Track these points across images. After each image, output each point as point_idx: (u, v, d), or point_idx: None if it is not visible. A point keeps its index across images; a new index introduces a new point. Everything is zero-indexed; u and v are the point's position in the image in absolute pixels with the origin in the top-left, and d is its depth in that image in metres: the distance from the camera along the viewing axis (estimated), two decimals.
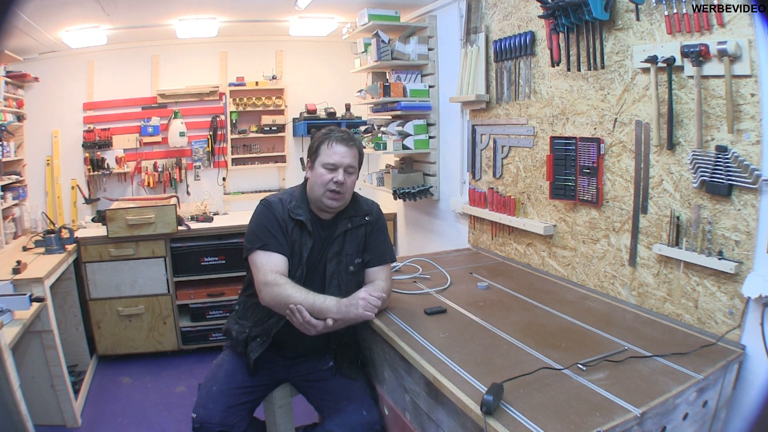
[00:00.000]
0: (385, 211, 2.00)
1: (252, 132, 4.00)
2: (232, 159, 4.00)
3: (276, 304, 1.64)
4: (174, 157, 3.88)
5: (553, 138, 2.15)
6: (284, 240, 1.73)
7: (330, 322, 1.61)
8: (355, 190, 1.93)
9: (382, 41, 2.97)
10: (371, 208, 1.89)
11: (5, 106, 3.15)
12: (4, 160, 3.12)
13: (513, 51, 2.34)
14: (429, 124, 3.14)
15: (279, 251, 1.71)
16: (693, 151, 1.56)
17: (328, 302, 1.62)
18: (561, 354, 1.45)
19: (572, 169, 2.06)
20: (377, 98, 3.06)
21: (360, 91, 3.44)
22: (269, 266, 1.67)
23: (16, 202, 3.26)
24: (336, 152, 1.74)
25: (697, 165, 1.55)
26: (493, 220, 2.58)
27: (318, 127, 1.86)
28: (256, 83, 3.95)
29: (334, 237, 1.79)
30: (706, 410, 1.40)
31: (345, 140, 1.76)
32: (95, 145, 3.65)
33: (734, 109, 1.44)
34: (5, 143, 3.13)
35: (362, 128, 3.62)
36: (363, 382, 1.85)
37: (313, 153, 1.79)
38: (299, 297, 1.60)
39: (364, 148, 3.29)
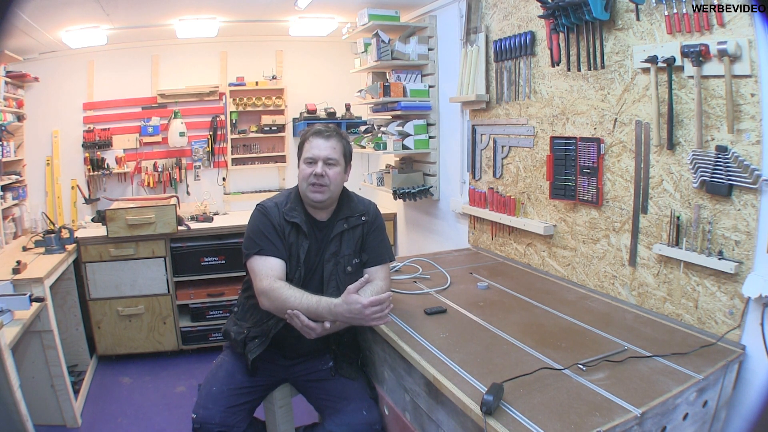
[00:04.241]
0: (385, 211, 1.99)
1: (252, 132, 4.00)
2: (232, 159, 4.00)
3: (275, 309, 1.65)
4: (174, 157, 3.88)
5: (553, 138, 2.15)
6: (281, 243, 1.73)
7: (328, 325, 1.60)
8: (353, 190, 1.94)
9: (382, 41, 2.97)
10: (368, 208, 1.89)
11: (5, 106, 3.15)
12: (4, 160, 3.13)
13: (513, 51, 2.34)
14: (429, 124, 3.14)
15: (276, 255, 1.71)
16: (693, 151, 1.56)
17: (321, 306, 1.59)
18: (561, 354, 1.45)
19: (572, 169, 2.06)
20: (377, 98, 3.06)
21: (360, 91, 3.44)
22: (266, 271, 1.67)
23: (16, 202, 3.26)
24: (314, 146, 1.76)
25: (697, 165, 1.55)
26: (493, 220, 2.58)
27: None
28: (256, 83, 3.95)
29: (330, 238, 1.79)
30: (706, 410, 1.40)
31: (322, 132, 1.78)
32: (95, 145, 3.65)
33: (734, 109, 1.44)
34: (5, 143, 3.13)
35: (362, 128, 3.62)
36: (363, 382, 1.85)
37: (299, 152, 1.82)
38: (295, 301, 1.60)
39: (363, 147, 3.32)
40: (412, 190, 3.14)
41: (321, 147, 1.75)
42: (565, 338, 1.57)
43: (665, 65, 1.60)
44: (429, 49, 3.06)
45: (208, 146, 3.95)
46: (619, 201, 1.88)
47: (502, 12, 2.43)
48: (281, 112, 4.02)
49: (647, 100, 1.72)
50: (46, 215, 3.45)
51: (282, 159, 4.10)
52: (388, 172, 3.26)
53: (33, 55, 3.47)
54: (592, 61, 1.92)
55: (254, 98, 3.96)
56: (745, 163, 1.42)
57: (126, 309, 3.29)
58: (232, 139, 3.98)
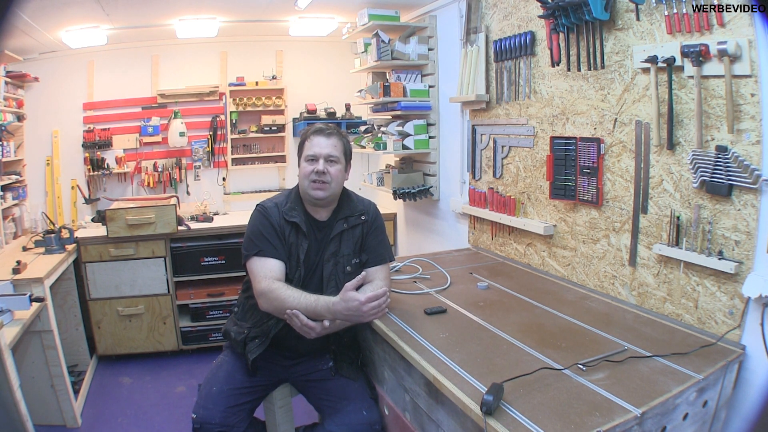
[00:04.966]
0: (385, 211, 2.00)
1: (252, 132, 4.00)
2: (232, 159, 4.00)
3: (273, 309, 1.65)
4: (174, 157, 3.88)
5: (553, 138, 2.15)
6: (280, 244, 1.73)
7: (327, 323, 1.61)
8: (353, 190, 1.94)
9: (382, 41, 2.97)
10: (367, 208, 1.89)
11: (5, 106, 3.15)
12: (4, 160, 3.13)
13: (513, 51, 2.34)
14: (429, 124, 3.14)
15: (275, 256, 1.71)
16: (693, 151, 1.56)
17: (320, 305, 1.61)
18: (561, 354, 1.45)
19: (572, 169, 2.06)
20: (377, 98, 3.06)
21: (360, 91, 3.44)
22: (264, 272, 1.68)
23: (16, 202, 3.26)
24: (315, 144, 1.78)
25: (697, 165, 1.55)
26: (493, 220, 2.58)
27: None
28: (256, 83, 3.95)
29: (330, 238, 1.80)
30: (706, 410, 1.40)
31: (323, 130, 1.80)
32: (95, 145, 3.65)
33: (734, 109, 1.44)
34: (5, 143, 3.13)
35: (362, 128, 3.62)
36: (363, 382, 1.85)
37: (299, 151, 1.84)
38: (293, 301, 1.60)
39: (363, 147, 3.32)
40: (412, 190, 3.14)
41: (322, 144, 1.77)
42: (565, 338, 1.57)
43: (665, 65, 1.60)
44: (429, 49, 3.06)
45: (208, 146, 3.95)
46: (619, 201, 1.88)
47: (502, 12, 2.43)
48: (281, 112, 4.02)
49: (647, 100, 1.72)
50: (46, 215, 3.45)
51: (282, 159, 4.10)
52: (388, 172, 3.26)
53: (33, 55, 3.47)
54: (592, 61, 1.92)
55: (254, 98, 3.96)
56: (745, 163, 1.42)
57: (126, 309, 3.29)
58: (232, 139, 3.98)
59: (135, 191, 3.82)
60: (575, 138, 2.04)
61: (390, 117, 3.31)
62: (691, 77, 1.54)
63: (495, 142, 2.56)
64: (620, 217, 1.88)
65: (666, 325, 1.66)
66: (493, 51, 2.49)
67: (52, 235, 2.96)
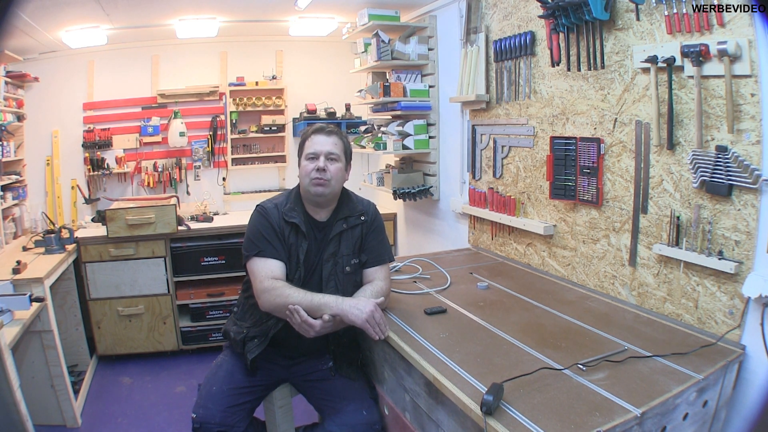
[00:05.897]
0: (385, 211, 2.00)
1: (252, 132, 4.00)
2: (232, 159, 4.00)
3: (275, 307, 1.65)
4: (174, 157, 3.88)
5: (553, 138, 2.15)
6: (280, 245, 1.74)
7: (327, 317, 1.60)
8: (353, 190, 1.94)
9: (382, 41, 2.97)
10: (367, 208, 1.89)
11: (5, 106, 3.15)
12: (4, 160, 3.13)
13: (513, 51, 2.34)
14: (429, 124, 3.14)
15: (275, 257, 1.72)
16: (693, 151, 1.56)
17: (327, 298, 1.63)
18: (561, 354, 1.45)
19: (572, 169, 2.06)
20: (377, 98, 3.06)
21: (360, 91, 3.44)
22: (265, 272, 1.68)
23: (16, 202, 3.26)
24: (315, 142, 1.79)
25: (697, 165, 1.55)
26: (493, 220, 2.58)
27: None
28: (256, 83, 3.95)
29: (329, 238, 1.80)
30: (706, 410, 1.40)
31: (323, 129, 1.81)
32: (95, 145, 3.65)
33: (734, 109, 1.44)
34: (5, 143, 3.13)
35: (362, 128, 3.62)
36: (363, 382, 1.85)
37: (299, 151, 1.84)
38: (297, 297, 1.61)
39: (363, 147, 3.32)
40: (412, 190, 3.14)
41: (323, 142, 1.78)
42: (565, 338, 1.57)
43: (665, 65, 1.60)
44: (429, 49, 3.06)
45: (208, 146, 3.95)
46: (619, 201, 1.88)
47: (502, 12, 2.43)
48: (281, 112, 4.02)
49: (647, 100, 1.72)
50: (46, 215, 3.45)
51: (282, 159, 4.10)
52: (388, 172, 3.26)
53: (33, 55, 3.47)
54: (592, 61, 1.92)
55: (254, 98, 3.96)
56: (745, 163, 1.42)
57: (126, 309, 3.29)
58: (232, 139, 3.98)
59: (135, 191, 3.82)
60: (575, 138, 2.04)
61: (390, 117, 3.31)
62: (691, 77, 1.54)
63: (495, 142, 2.56)
64: (620, 217, 1.88)
65: (666, 325, 1.66)
66: (493, 51, 2.49)
67: (52, 235, 2.96)
